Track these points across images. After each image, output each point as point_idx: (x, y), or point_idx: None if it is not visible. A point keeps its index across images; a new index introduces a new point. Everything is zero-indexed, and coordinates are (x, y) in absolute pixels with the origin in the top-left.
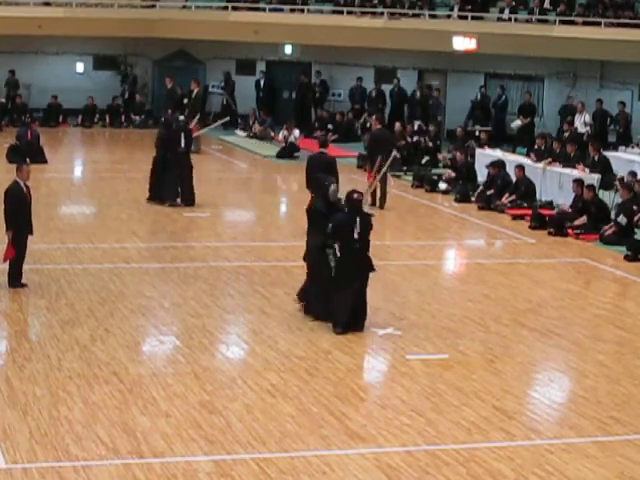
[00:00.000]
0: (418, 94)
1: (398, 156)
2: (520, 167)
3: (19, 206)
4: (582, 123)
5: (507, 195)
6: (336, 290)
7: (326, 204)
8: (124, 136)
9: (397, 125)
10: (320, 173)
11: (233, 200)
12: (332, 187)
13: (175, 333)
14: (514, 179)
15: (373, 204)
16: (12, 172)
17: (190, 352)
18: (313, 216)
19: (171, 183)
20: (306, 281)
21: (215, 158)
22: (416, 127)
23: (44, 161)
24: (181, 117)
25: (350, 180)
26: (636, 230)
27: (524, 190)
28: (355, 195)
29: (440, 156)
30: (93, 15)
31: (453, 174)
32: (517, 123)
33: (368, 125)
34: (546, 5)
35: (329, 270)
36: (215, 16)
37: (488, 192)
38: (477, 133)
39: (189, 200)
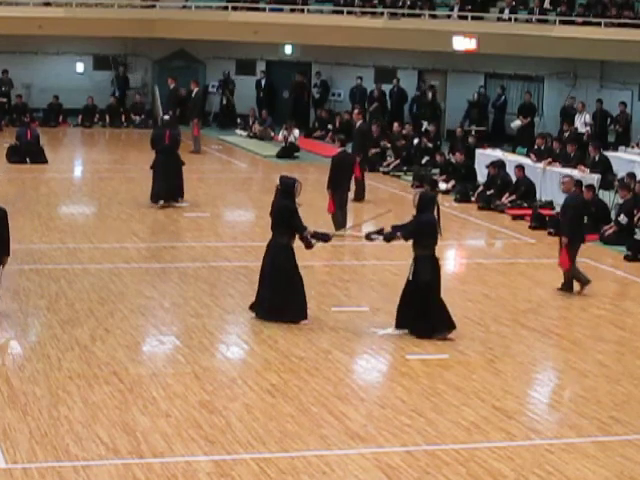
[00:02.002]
0: (430, 95)
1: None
2: (520, 167)
3: None
4: (582, 123)
5: (507, 195)
6: (435, 295)
7: (292, 202)
8: (124, 136)
9: (396, 125)
10: (348, 171)
11: (233, 200)
12: (297, 185)
13: (175, 333)
14: (514, 179)
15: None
16: (12, 172)
17: (190, 352)
18: (284, 215)
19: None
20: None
21: (215, 158)
22: (423, 129)
23: (44, 161)
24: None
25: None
26: (636, 230)
27: (524, 190)
28: (438, 197)
29: (437, 157)
30: (93, 15)
31: (451, 182)
32: (517, 123)
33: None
34: (546, 5)
35: (293, 268)
36: (215, 16)
37: (488, 192)
38: (473, 133)
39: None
